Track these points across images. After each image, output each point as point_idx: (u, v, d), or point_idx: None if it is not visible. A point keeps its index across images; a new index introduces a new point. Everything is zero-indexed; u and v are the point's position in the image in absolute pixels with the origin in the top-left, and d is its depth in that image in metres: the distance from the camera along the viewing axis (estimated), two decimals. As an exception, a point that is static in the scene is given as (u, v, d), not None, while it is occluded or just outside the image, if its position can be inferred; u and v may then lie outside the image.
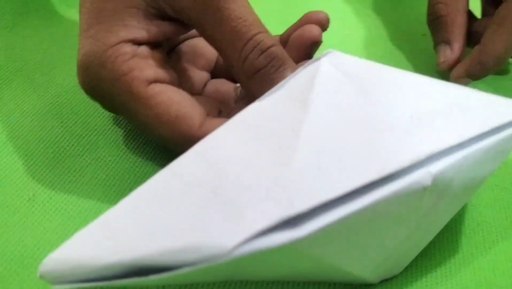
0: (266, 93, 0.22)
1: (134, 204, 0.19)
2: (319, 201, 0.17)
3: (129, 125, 0.29)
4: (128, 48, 0.23)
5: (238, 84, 0.29)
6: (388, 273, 0.24)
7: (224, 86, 0.29)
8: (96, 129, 0.29)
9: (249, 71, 0.23)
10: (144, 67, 0.23)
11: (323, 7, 0.42)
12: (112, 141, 0.28)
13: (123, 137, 0.28)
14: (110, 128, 0.29)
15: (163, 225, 0.18)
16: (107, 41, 0.23)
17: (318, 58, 0.22)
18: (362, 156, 0.19)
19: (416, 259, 0.25)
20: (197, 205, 0.18)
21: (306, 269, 0.21)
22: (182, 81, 0.27)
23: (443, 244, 0.26)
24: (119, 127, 0.29)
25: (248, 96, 0.26)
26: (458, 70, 0.32)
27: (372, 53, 0.38)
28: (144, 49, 0.24)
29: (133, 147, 0.28)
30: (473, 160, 0.21)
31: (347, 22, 0.41)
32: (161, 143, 0.26)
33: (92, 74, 0.24)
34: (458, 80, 0.32)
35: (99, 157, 0.27)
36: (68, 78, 0.31)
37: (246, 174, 0.19)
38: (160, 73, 0.24)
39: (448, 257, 0.26)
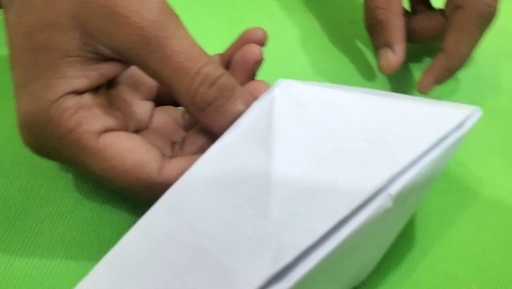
0: (225, 134, 0.21)
1: (109, 272, 0.19)
2: (300, 250, 0.18)
3: (78, 172, 0.28)
4: (71, 101, 0.22)
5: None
6: (357, 281, 0.25)
7: (171, 114, 0.28)
8: (44, 178, 0.27)
9: (200, 105, 0.23)
10: (92, 119, 0.22)
11: (250, 5, 0.42)
12: (64, 189, 0.27)
13: (74, 182, 0.27)
14: (59, 175, 0.27)
15: None
16: (48, 98, 0.22)
17: (271, 91, 0.22)
18: (331, 193, 0.20)
19: (378, 262, 0.26)
20: (180, 269, 0.18)
21: None
22: (127, 118, 0.26)
23: (400, 241, 0.28)
24: (68, 172, 0.28)
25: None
26: (427, 80, 0.33)
27: (306, 51, 0.39)
28: (87, 98, 0.23)
29: (86, 192, 0.27)
30: (425, 172, 0.22)
31: (276, 19, 0.42)
32: (119, 191, 0.26)
33: (37, 134, 0.22)
34: (426, 88, 0.33)
35: (53, 210, 0.26)
36: (1, 124, 0.29)
37: (225, 231, 0.19)
38: (109, 121, 0.23)
39: (406, 254, 0.27)
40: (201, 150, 0.25)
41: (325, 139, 0.21)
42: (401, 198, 0.21)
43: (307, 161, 0.20)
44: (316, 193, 0.20)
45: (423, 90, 0.33)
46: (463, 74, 0.38)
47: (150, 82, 0.28)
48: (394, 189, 0.20)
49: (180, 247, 0.19)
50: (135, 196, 0.24)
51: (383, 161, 0.21)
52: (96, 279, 0.19)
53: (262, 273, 0.17)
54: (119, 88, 0.27)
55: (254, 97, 0.24)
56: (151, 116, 0.28)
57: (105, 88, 0.24)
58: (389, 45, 0.33)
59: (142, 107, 0.27)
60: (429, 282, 0.26)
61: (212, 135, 0.24)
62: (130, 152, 0.23)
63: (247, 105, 0.23)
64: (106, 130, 0.23)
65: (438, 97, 0.36)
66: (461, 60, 0.32)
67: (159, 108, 0.28)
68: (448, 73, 0.33)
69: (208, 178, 0.20)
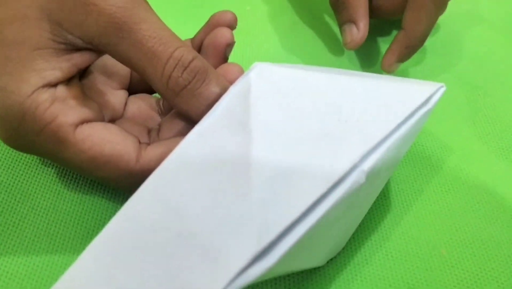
0: (203, 118, 0.22)
1: (96, 259, 0.19)
2: (283, 227, 0.19)
3: (57, 166, 0.28)
4: (46, 94, 0.22)
5: (159, 96, 0.29)
6: (333, 253, 0.26)
7: (146, 102, 0.29)
8: (23, 174, 0.28)
9: (174, 89, 0.23)
10: (67, 111, 0.22)
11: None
12: (44, 184, 0.27)
13: (53, 176, 0.28)
14: (38, 170, 0.28)
15: (137, 278, 0.19)
16: (21, 92, 0.22)
17: (247, 74, 0.23)
18: (309, 172, 0.21)
19: (353, 233, 0.27)
20: (168, 252, 0.19)
21: (269, 276, 0.23)
22: (102, 107, 0.26)
23: (372, 211, 0.29)
24: (46, 167, 0.28)
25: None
26: (389, 59, 0.33)
27: (277, 27, 0.39)
28: (61, 90, 0.23)
29: (66, 185, 0.28)
30: (395, 147, 0.23)
31: (246, -3, 0.42)
32: (99, 181, 0.26)
33: (13, 129, 0.22)
34: (390, 67, 0.34)
35: (35, 204, 0.26)
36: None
37: (209, 213, 0.19)
38: (84, 112, 0.23)
39: (379, 223, 0.29)
40: (178, 135, 0.25)
41: (301, 121, 0.22)
42: (373, 173, 0.22)
43: (284, 143, 0.21)
44: (294, 173, 0.20)
45: (387, 69, 0.34)
46: (430, 44, 0.39)
47: (122, 72, 0.28)
48: (367, 165, 0.22)
49: (166, 231, 0.19)
50: (116, 185, 0.25)
51: (355, 139, 0.22)
52: (83, 266, 0.19)
53: (247, 252, 0.18)
54: (92, 79, 0.27)
55: (228, 80, 0.24)
56: (125, 105, 0.28)
57: (77, 79, 0.25)
58: (353, 21, 0.33)
59: (116, 97, 0.28)
60: (400, 249, 0.28)
61: (188, 120, 0.25)
62: (108, 142, 0.23)
63: (222, 87, 0.23)
64: (83, 121, 0.23)
65: (406, 68, 0.37)
66: (420, 38, 0.33)
67: (133, 97, 0.29)
68: (408, 51, 0.33)
69: (189, 162, 0.21)
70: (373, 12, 0.35)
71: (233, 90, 0.22)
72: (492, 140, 0.33)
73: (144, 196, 0.20)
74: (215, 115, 0.22)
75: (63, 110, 0.22)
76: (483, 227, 0.29)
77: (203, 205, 0.20)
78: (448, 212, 0.29)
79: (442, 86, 0.26)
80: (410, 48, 0.33)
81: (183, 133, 0.22)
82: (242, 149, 0.21)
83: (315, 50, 0.38)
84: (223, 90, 0.23)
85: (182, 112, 0.24)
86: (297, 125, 0.22)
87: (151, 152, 0.23)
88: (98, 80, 0.27)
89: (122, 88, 0.28)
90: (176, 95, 0.23)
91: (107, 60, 0.27)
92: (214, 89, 0.23)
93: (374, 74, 0.27)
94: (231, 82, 0.23)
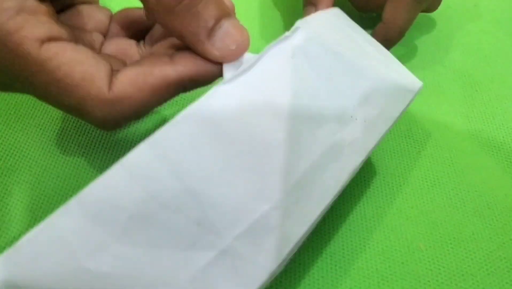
0: (232, 77, 0.19)
1: (85, 216, 0.17)
2: (297, 239, 0.19)
3: (45, 141, 0.29)
4: (12, 2, 0.19)
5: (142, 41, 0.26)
6: None
7: (124, 42, 0.26)
8: (11, 149, 0.28)
9: (169, 4, 0.20)
10: (35, 24, 0.20)
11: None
12: (31, 158, 0.28)
13: (41, 152, 0.28)
14: (26, 145, 0.29)
15: (152, 265, 0.17)
16: None
17: (288, 37, 0.21)
18: (330, 176, 0.21)
19: (336, 222, 0.28)
20: (185, 241, 0.18)
21: None
22: (78, 39, 0.22)
23: (355, 201, 0.29)
24: (34, 141, 0.29)
25: (162, 36, 0.25)
26: None
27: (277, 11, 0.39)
28: (31, 2, 0.20)
29: (53, 161, 0.28)
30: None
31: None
32: (69, 114, 0.23)
33: None
34: None
35: (22, 179, 0.27)
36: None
37: (232, 206, 0.18)
38: (54, 29, 0.20)
39: (359, 214, 0.29)
40: (159, 62, 0.22)
41: (331, 97, 0.21)
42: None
43: (311, 141, 0.21)
44: (315, 183, 0.20)
45: None
46: (427, 38, 0.38)
47: (98, 18, 0.26)
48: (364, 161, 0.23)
49: (183, 213, 0.18)
50: (87, 118, 0.21)
51: (369, 134, 0.23)
52: (68, 215, 0.17)
53: (269, 266, 0.18)
54: (67, 19, 0.25)
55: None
56: (102, 44, 0.25)
57: (53, 6, 0.22)
58: (314, 4, 0.32)
59: (92, 35, 0.25)
60: (378, 241, 0.28)
61: (173, 54, 0.22)
62: (78, 64, 0.20)
63: (222, 11, 0.21)
64: (51, 39, 0.20)
65: (402, 63, 0.37)
66: (398, 30, 0.33)
67: (110, 39, 0.26)
68: (388, 42, 0.33)
69: (213, 130, 0.18)
70: (362, 6, 0.35)
71: (271, 52, 0.20)
72: (484, 137, 0.33)
73: (155, 159, 0.18)
74: (248, 74, 0.19)
75: (30, 22, 0.20)
76: (465, 223, 0.29)
77: (226, 196, 0.18)
78: (431, 207, 0.29)
79: (421, 84, 0.26)
80: (389, 41, 0.33)
81: (165, 63, 0.20)
82: (274, 138, 0.19)
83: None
84: (224, 16, 0.21)
85: (174, 34, 0.21)
86: (326, 108, 0.21)
87: (125, 75, 0.21)
88: (74, 21, 0.25)
89: (100, 34, 0.26)
90: (169, 12, 0.20)
91: (84, 7, 0.26)
92: (214, 12, 0.20)
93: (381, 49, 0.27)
94: None
